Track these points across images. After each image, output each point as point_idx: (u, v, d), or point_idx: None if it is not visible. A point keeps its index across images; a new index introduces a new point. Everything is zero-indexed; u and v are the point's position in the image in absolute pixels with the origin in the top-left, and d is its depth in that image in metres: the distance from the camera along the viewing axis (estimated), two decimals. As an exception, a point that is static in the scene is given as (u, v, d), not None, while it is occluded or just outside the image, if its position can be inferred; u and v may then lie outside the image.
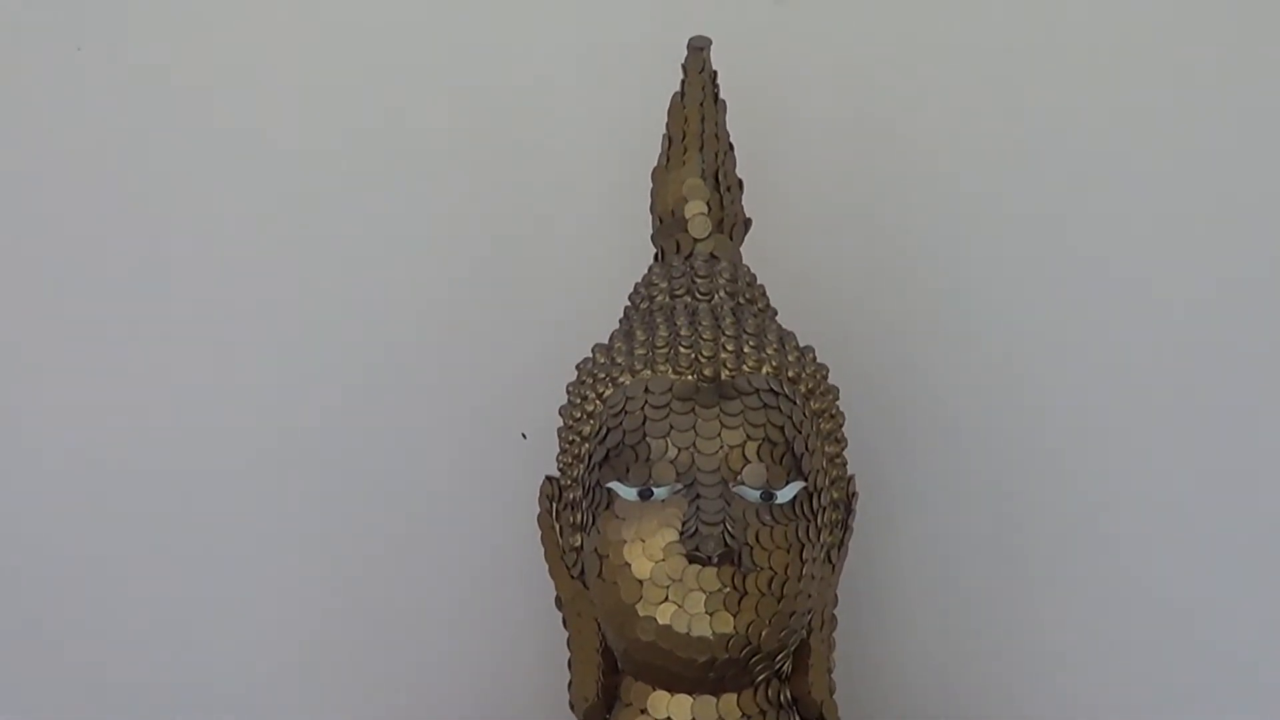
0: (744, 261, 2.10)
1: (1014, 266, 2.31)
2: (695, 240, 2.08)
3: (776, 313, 2.08)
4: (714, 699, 1.98)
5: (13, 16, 2.35)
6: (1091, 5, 2.33)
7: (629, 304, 2.09)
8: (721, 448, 1.97)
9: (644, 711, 1.99)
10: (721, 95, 2.09)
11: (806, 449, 2.00)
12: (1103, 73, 2.33)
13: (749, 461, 1.96)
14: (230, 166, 2.35)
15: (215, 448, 2.34)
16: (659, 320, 2.04)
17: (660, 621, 1.94)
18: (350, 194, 2.34)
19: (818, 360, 2.04)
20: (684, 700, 1.98)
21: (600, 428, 2.02)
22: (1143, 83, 2.33)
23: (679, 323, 2.02)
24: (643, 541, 1.95)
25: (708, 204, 2.07)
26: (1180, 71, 2.35)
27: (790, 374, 2.02)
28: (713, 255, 2.08)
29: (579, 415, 2.04)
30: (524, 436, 2.25)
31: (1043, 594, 2.31)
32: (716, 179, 2.09)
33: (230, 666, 2.34)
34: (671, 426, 1.97)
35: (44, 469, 2.36)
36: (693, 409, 1.98)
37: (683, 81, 2.08)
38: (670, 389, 2.00)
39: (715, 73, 2.08)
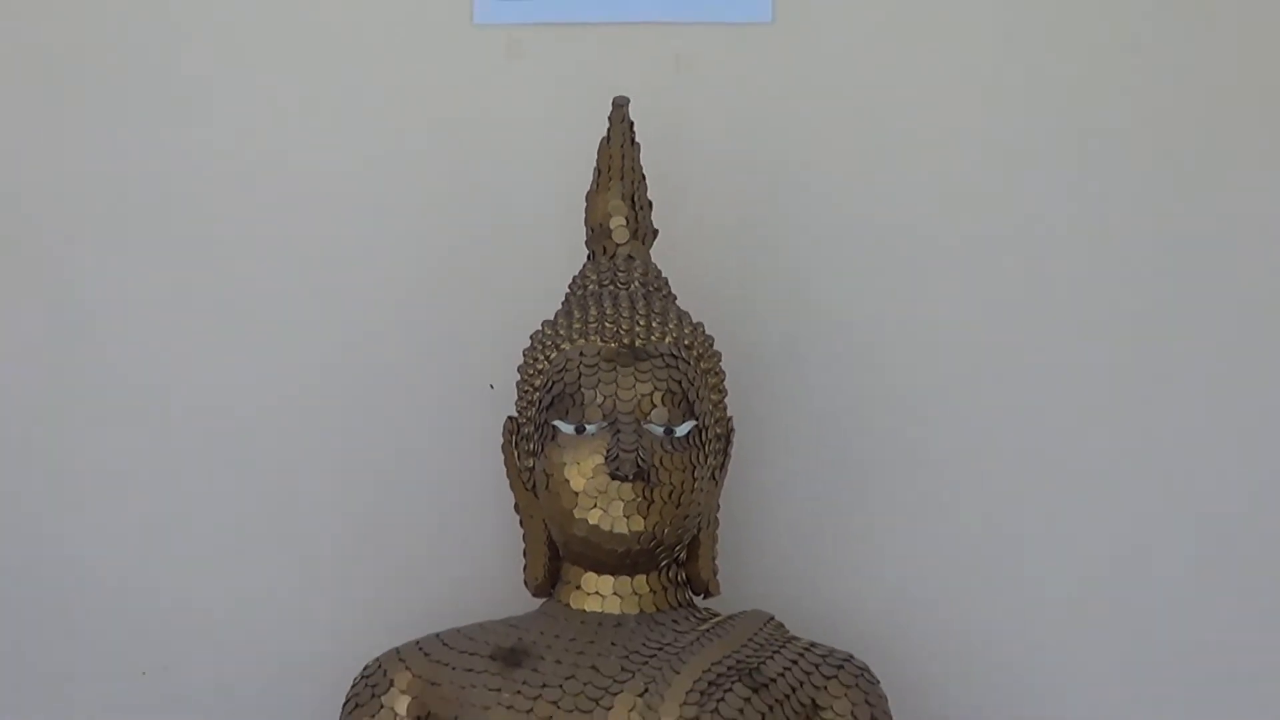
0: (653, 260, 2.24)
1: (858, 255, 2.39)
2: (617, 245, 2.22)
3: (676, 298, 2.24)
4: (629, 578, 2.16)
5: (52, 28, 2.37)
6: (961, 39, 2.40)
7: (568, 290, 2.23)
8: (636, 396, 2.13)
9: (579, 588, 2.17)
10: (636, 139, 2.23)
11: (698, 397, 2.16)
12: (966, 106, 2.40)
13: (656, 406, 2.13)
14: (235, 174, 2.39)
15: (232, 402, 2.39)
16: (590, 303, 2.19)
17: (590, 522, 2.12)
18: (349, 196, 2.40)
19: (706, 332, 2.21)
20: (608, 579, 2.16)
21: (548, 381, 2.17)
22: (1011, 107, 2.39)
23: (605, 305, 2.18)
24: (578, 464, 2.12)
25: (626, 218, 2.21)
26: (1052, 92, 2.39)
27: (686, 342, 2.18)
28: (630, 256, 2.22)
29: (532, 372, 2.19)
30: (491, 387, 2.35)
31: (877, 499, 2.39)
32: (633, 200, 2.22)
33: (245, 570, 2.39)
34: (599, 380, 2.13)
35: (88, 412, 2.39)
36: (615, 368, 2.14)
37: (608, 128, 2.22)
38: (599, 353, 2.15)
39: (632, 122, 2.22)
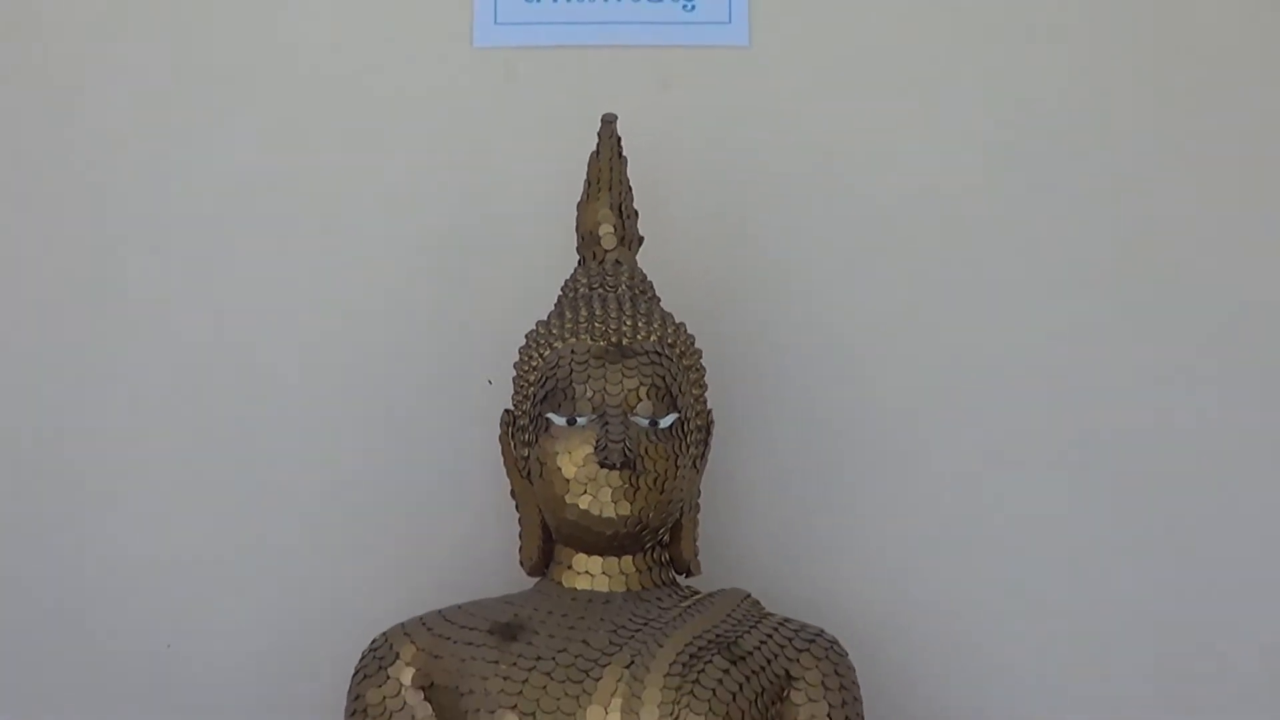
0: (639, 265, 2.29)
1: (832, 259, 2.45)
2: (606, 251, 2.27)
3: (660, 300, 2.28)
4: (617, 559, 2.21)
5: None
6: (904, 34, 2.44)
7: (561, 292, 2.28)
8: (623, 390, 2.18)
9: (570, 567, 2.21)
10: (624, 153, 2.28)
11: (680, 391, 2.21)
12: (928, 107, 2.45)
13: (641, 399, 2.18)
14: (244, 183, 2.44)
15: (245, 395, 2.44)
16: (581, 304, 2.24)
17: (581, 507, 2.17)
18: (359, 204, 2.46)
19: (688, 332, 2.26)
20: (597, 559, 2.21)
21: (542, 376, 2.22)
22: (987, 120, 2.44)
23: (595, 306, 2.23)
24: (570, 453, 2.17)
25: (614, 226, 2.26)
26: (1032, 105, 2.44)
27: (669, 341, 2.23)
28: (617, 261, 2.26)
29: (527, 368, 2.24)
30: (490, 382, 2.39)
31: (858, 491, 2.43)
32: (620, 209, 2.27)
33: (259, 554, 2.44)
34: (589, 376, 2.18)
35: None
36: (604, 364, 2.19)
37: (598, 143, 2.27)
38: (589, 350, 2.20)
39: (620, 138, 2.27)
